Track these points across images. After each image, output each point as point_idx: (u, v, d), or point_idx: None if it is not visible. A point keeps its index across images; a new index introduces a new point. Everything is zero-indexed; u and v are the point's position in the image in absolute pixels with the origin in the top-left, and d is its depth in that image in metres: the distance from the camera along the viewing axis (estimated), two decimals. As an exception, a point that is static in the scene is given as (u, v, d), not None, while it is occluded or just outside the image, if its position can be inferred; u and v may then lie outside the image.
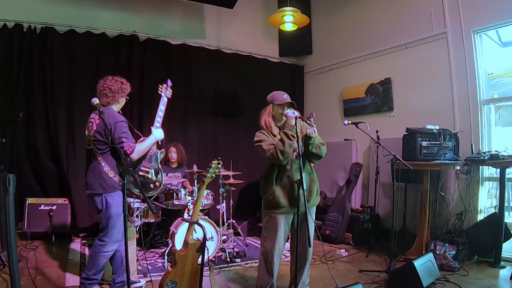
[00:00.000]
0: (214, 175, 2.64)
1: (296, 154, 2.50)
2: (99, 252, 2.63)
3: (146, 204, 3.77)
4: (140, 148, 2.67)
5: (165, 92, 2.93)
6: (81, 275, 2.69)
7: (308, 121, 2.55)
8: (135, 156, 2.61)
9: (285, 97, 2.59)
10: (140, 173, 2.81)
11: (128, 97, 2.90)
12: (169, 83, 2.96)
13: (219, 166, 2.61)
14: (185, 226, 3.33)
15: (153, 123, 2.85)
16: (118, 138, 2.54)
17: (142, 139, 2.81)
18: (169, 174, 4.53)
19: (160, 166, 2.96)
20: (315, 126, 2.50)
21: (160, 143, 2.89)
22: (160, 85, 2.96)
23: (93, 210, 4.40)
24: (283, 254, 3.21)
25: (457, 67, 4.17)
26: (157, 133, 2.81)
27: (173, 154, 4.59)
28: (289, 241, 2.91)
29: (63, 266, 3.38)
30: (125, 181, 2.19)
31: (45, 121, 4.47)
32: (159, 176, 2.91)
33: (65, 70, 4.58)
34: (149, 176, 2.86)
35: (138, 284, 2.96)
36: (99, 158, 2.62)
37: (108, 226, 2.63)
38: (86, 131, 2.72)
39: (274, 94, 2.64)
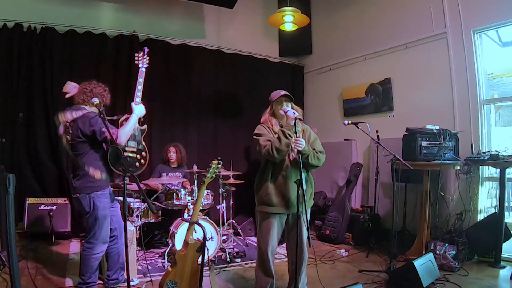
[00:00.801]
0: (214, 175, 2.64)
1: (294, 155, 2.49)
2: (89, 255, 2.63)
3: (146, 204, 3.79)
4: (124, 131, 2.64)
5: (142, 62, 2.87)
6: (77, 282, 2.70)
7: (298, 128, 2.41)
8: (122, 140, 2.61)
9: (282, 92, 2.60)
10: (125, 153, 2.75)
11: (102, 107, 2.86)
12: (146, 50, 2.90)
13: (219, 166, 2.61)
14: (185, 226, 3.32)
15: (133, 99, 2.80)
16: (98, 131, 2.55)
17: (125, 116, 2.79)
18: (169, 174, 4.54)
19: (144, 142, 2.90)
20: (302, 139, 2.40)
21: (142, 118, 2.84)
22: (136, 55, 2.89)
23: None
24: (283, 254, 3.21)
25: (457, 67, 4.17)
26: (138, 110, 2.77)
27: (173, 154, 4.59)
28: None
29: (63, 266, 3.37)
30: (125, 181, 2.19)
31: (45, 121, 4.46)
32: (143, 153, 2.88)
33: (65, 70, 4.58)
34: (133, 155, 2.83)
35: (132, 283, 2.96)
36: (81, 161, 2.61)
37: (94, 227, 2.63)
38: (64, 140, 2.69)
39: (272, 93, 2.66)
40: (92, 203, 2.61)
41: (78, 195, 2.63)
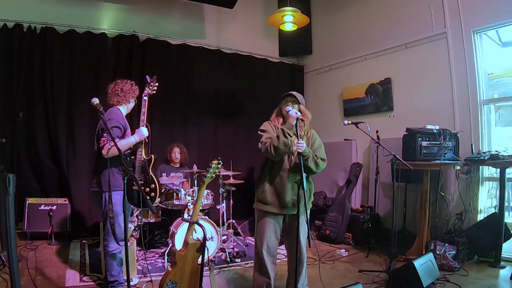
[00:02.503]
0: (214, 175, 2.64)
1: (294, 159, 2.47)
2: (106, 252, 2.67)
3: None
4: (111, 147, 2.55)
5: (147, 91, 2.87)
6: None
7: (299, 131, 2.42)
8: (104, 152, 2.51)
9: (291, 92, 2.59)
10: (134, 187, 2.55)
11: (136, 100, 2.94)
12: (148, 79, 2.90)
13: (219, 166, 2.61)
14: (185, 226, 3.33)
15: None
16: (101, 130, 2.60)
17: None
18: (171, 174, 4.53)
19: (151, 173, 2.80)
20: (303, 142, 2.39)
21: (146, 140, 2.79)
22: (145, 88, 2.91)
23: (92, 210, 4.46)
24: (283, 255, 3.20)
25: (457, 67, 4.17)
26: (139, 134, 2.72)
27: (177, 154, 4.59)
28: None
29: (63, 266, 3.38)
30: (125, 181, 2.20)
31: (45, 121, 4.46)
32: (152, 186, 2.78)
33: (65, 70, 4.58)
34: (142, 187, 2.73)
35: (131, 283, 2.96)
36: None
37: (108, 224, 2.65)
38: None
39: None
40: (104, 199, 2.63)
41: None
